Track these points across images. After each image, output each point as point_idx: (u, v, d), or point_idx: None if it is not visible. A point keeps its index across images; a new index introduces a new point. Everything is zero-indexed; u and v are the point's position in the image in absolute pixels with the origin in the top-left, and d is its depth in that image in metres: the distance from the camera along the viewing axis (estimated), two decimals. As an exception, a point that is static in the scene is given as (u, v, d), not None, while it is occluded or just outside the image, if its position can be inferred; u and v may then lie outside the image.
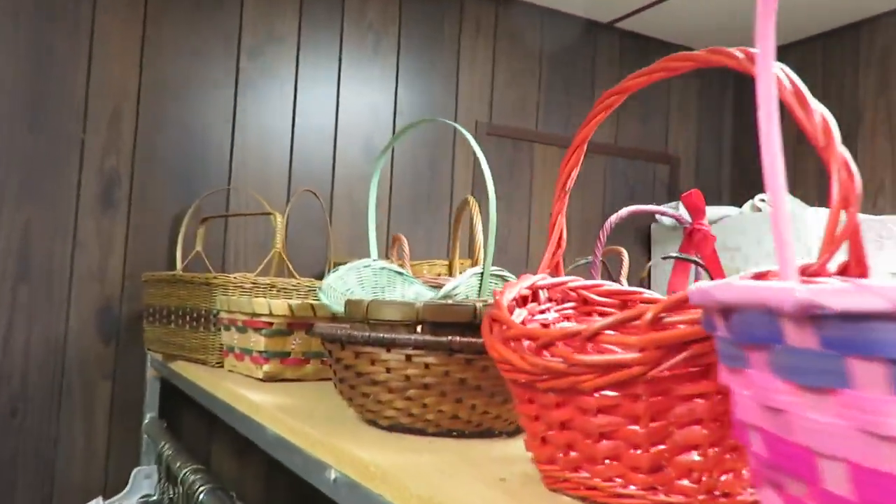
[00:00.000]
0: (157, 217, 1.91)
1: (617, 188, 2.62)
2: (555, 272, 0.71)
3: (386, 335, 0.70)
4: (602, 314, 0.74)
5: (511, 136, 2.43)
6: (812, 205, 2.49)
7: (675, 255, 1.05)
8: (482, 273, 1.08)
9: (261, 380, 1.11)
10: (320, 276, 1.99)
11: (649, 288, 2.60)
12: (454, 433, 0.73)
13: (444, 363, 0.70)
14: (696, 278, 1.24)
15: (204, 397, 1.17)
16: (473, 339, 0.69)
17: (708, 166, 2.84)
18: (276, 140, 2.06)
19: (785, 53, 2.69)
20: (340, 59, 2.17)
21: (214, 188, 1.97)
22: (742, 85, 2.87)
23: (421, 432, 0.73)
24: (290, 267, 1.46)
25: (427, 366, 0.70)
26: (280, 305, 1.07)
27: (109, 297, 1.85)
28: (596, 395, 0.48)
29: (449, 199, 2.31)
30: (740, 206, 2.43)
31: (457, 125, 1.04)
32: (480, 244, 1.50)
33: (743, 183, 2.84)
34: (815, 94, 2.57)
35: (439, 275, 1.85)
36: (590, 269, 1.50)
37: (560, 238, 0.73)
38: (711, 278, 1.07)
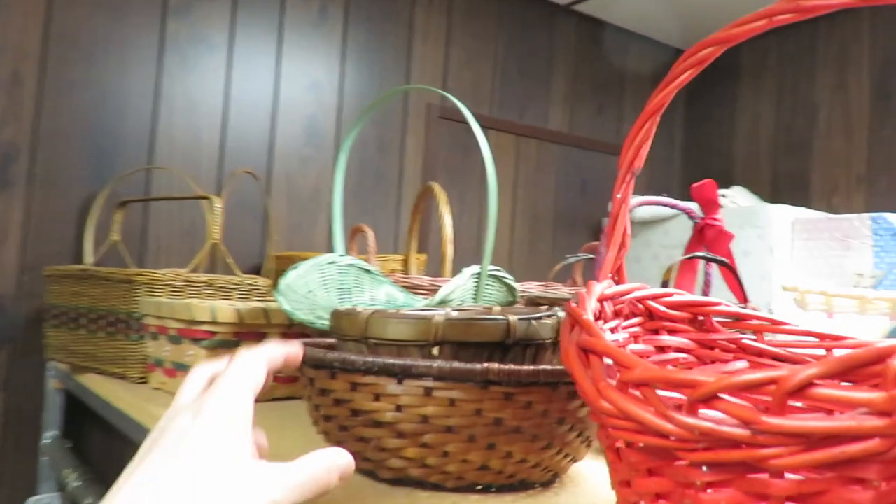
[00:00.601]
0: (63, 200, 1.63)
1: (570, 179, 2.50)
2: (618, 278, 0.55)
3: (398, 361, 0.51)
4: (672, 331, 0.58)
5: (464, 122, 2.26)
6: (767, 200, 2.43)
7: (702, 255, 0.90)
8: (479, 275, 0.91)
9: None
10: (257, 272, 1.76)
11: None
12: (479, 488, 0.55)
13: (477, 399, 0.52)
14: (706, 280, 1.11)
15: (123, 421, 0.94)
16: (516, 367, 0.52)
17: (659, 160, 2.76)
18: (207, 114, 1.82)
19: (739, 52, 2.63)
20: (281, 25, 1.93)
21: (133, 167, 1.71)
22: (694, 81, 2.80)
23: (437, 487, 0.55)
24: (231, 262, 1.24)
25: (453, 402, 0.52)
26: (226, 311, 0.86)
27: (1, 294, 1.57)
28: (787, 475, 0.31)
29: (398, 186, 2.12)
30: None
31: (455, 99, 0.86)
32: (449, 238, 1.33)
33: (694, 177, 2.78)
34: (770, 93, 2.52)
35: (394, 271, 1.66)
36: (574, 268, 1.35)
37: (624, 235, 0.56)
38: (735, 281, 0.94)
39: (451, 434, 0.52)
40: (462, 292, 0.95)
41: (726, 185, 2.48)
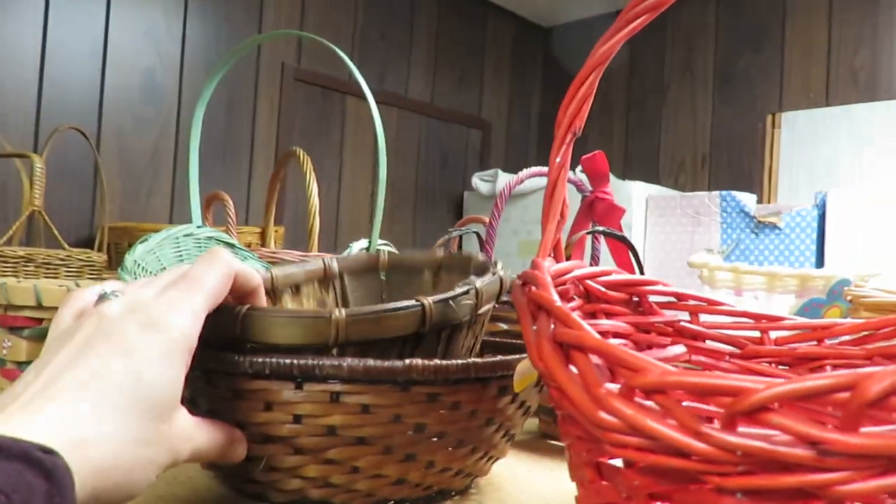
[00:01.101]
0: None
1: (431, 152, 2.43)
2: (556, 255, 0.48)
3: (297, 361, 0.40)
4: (609, 314, 0.52)
5: (321, 85, 2.12)
6: (620, 177, 2.51)
7: (603, 230, 0.86)
8: (367, 250, 0.81)
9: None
10: (88, 245, 1.53)
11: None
12: (393, 503, 0.46)
13: (396, 403, 0.42)
14: (594, 256, 1.07)
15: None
16: (443, 363, 0.42)
17: (517, 134, 2.77)
18: (19, 61, 1.54)
19: (590, 28, 2.68)
20: (112, -36, 1.68)
21: (-78, 119, 1.42)
22: (551, 57, 2.82)
23: None
24: (56, 233, 1.03)
25: (367, 408, 0.42)
26: (54, 293, 0.70)
27: None
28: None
29: (249, 152, 1.94)
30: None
31: (344, 56, 0.75)
32: (316, 209, 1.21)
33: (549, 151, 2.81)
34: (620, 73, 2.59)
35: (249, 245, 1.51)
36: (452, 244, 1.28)
37: (563, 207, 0.49)
38: (633, 257, 0.90)
39: (362, 446, 0.42)
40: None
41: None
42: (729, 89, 2.35)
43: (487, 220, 1.33)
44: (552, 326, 0.33)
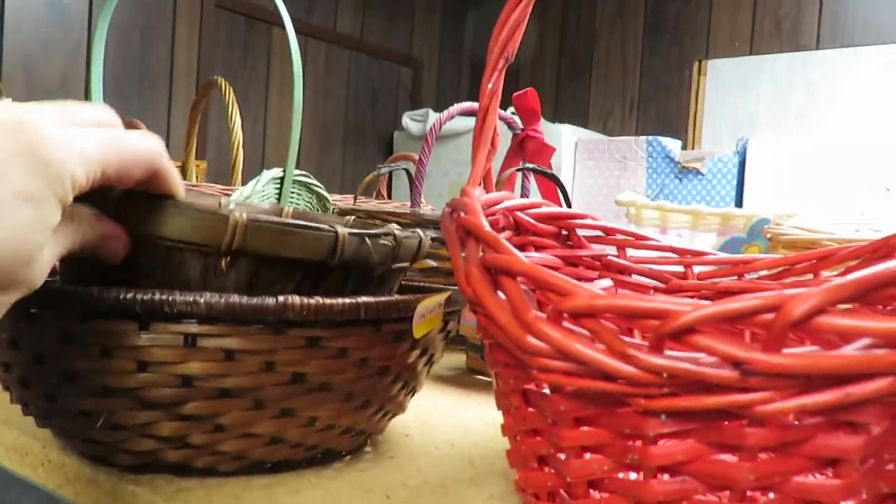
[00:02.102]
0: None
1: (361, 90, 2.37)
2: (486, 185, 0.47)
3: (141, 296, 0.33)
4: (538, 247, 0.51)
5: (245, 14, 2.01)
6: (550, 121, 2.51)
7: (533, 167, 0.85)
8: (282, 178, 0.77)
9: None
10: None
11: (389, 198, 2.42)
12: (269, 466, 0.40)
13: (268, 348, 0.36)
14: (523, 194, 1.07)
15: None
16: (325, 301, 0.35)
17: (449, 73, 2.72)
18: None
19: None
20: None
21: None
22: (483, -7, 2.77)
23: (205, 472, 0.38)
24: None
25: (231, 354, 0.35)
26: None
27: None
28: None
29: (167, 82, 1.84)
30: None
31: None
32: (239, 141, 1.16)
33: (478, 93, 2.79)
34: (554, 21, 2.57)
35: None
36: (382, 180, 1.25)
37: (494, 136, 0.48)
38: (562, 196, 0.90)
39: (227, 399, 0.36)
40: (260, 200, 0.81)
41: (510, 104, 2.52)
42: (658, 37, 2.37)
43: (415, 157, 1.31)
44: (481, 253, 0.32)
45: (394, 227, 0.41)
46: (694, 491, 0.27)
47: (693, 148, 2.27)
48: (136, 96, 1.79)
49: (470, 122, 2.29)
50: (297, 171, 0.79)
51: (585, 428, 0.29)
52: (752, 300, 0.24)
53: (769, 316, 0.24)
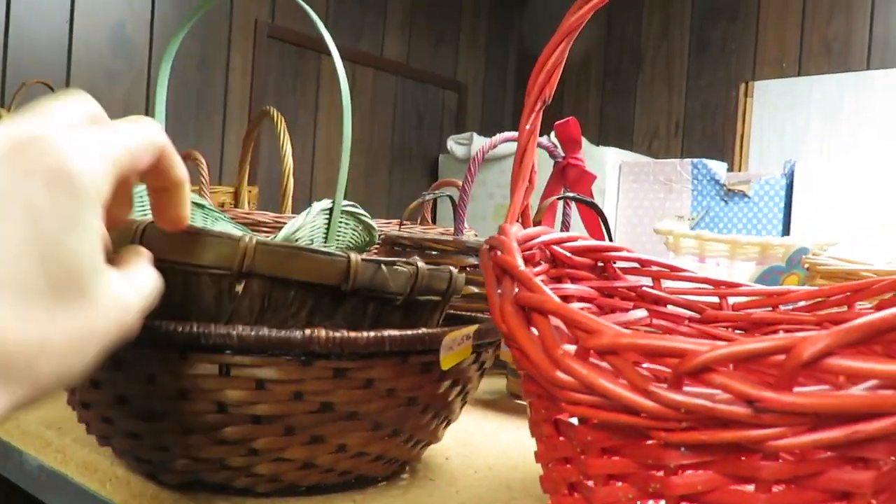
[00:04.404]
0: None
1: (407, 114, 2.42)
2: (524, 220, 0.49)
3: (181, 328, 0.35)
4: (574, 279, 0.53)
5: (295, 43, 2.08)
6: (594, 143, 2.52)
7: (574, 195, 0.87)
8: (331, 210, 0.81)
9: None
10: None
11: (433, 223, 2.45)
12: (303, 490, 0.42)
13: (296, 378, 0.37)
14: (565, 221, 1.09)
15: None
16: (350, 335, 0.37)
17: (493, 97, 2.76)
18: (-17, 11, 1.50)
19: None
20: (79, -88, 1.63)
21: None
22: (528, 20, 2.80)
23: (243, 492, 0.41)
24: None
25: (262, 384, 0.37)
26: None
27: None
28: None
29: (222, 110, 1.92)
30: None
31: (310, 11, 0.74)
32: (290, 169, 1.21)
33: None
34: (599, 38, 2.58)
35: (223, 206, 1.50)
36: (425, 208, 1.29)
37: (532, 172, 0.50)
38: (602, 224, 0.92)
39: (260, 426, 0.38)
40: (311, 230, 0.85)
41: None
42: (704, 58, 2.36)
43: (461, 183, 1.34)
44: (515, 290, 0.35)
45: (416, 259, 0.42)
46: (717, 521, 0.28)
47: (739, 170, 2.25)
48: (193, 122, 1.87)
49: (514, 145, 2.31)
50: (344, 202, 0.82)
51: (611, 458, 0.31)
52: (765, 342, 0.26)
53: (780, 357, 0.26)
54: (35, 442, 0.52)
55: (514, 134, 1.03)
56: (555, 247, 0.51)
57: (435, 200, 1.24)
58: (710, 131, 2.34)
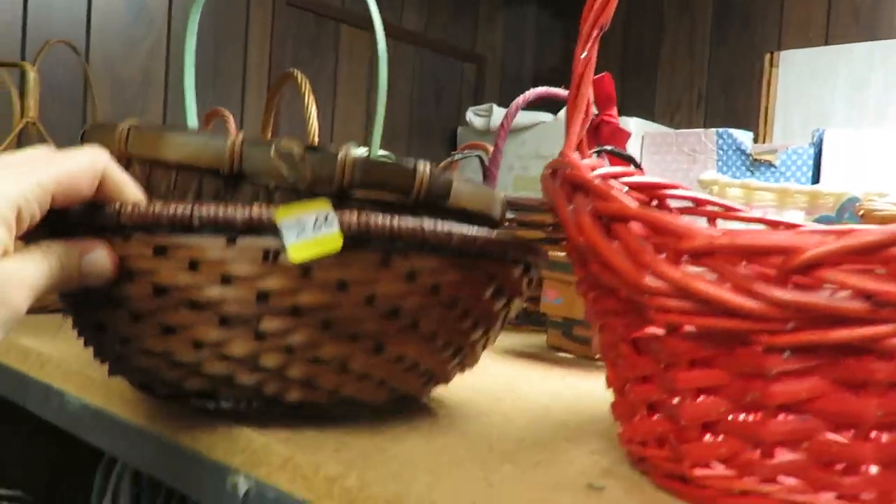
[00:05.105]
0: None
1: (425, 86, 2.39)
2: (581, 153, 0.47)
3: (224, 214, 0.33)
4: (630, 216, 0.51)
5: (314, 11, 2.06)
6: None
7: (611, 149, 0.85)
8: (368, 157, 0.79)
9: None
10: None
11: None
12: (365, 412, 0.41)
13: (372, 269, 0.35)
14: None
15: None
16: (415, 223, 0.35)
17: (512, 69, 2.72)
18: (2, -25, 1.49)
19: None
20: None
21: None
22: (547, -12, 2.76)
23: (272, 402, 0.38)
24: (51, 144, 1.02)
25: (307, 271, 0.34)
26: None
27: None
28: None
29: (241, 78, 1.90)
30: (555, 113, 2.34)
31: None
32: (315, 131, 1.19)
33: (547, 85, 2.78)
34: (619, 12, 2.54)
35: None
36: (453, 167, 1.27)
37: (588, 105, 0.49)
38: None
39: (298, 318, 0.35)
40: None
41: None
42: (727, 28, 2.32)
43: (488, 146, 1.32)
44: (590, 205, 0.33)
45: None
46: (816, 430, 0.27)
47: (764, 142, 2.22)
48: (211, 92, 1.85)
49: (534, 116, 2.28)
50: (381, 151, 0.80)
51: (703, 369, 0.29)
52: (884, 232, 0.24)
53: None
54: (77, 381, 0.51)
55: (549, 89, 1.01)
56: (612, 180, 0.49)
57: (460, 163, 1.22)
58: (733, 103, 2.30)
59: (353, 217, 0.34)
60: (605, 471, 0.35)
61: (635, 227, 0.30)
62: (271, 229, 0.33)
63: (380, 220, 0.34)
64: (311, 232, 0.33)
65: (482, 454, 0.37)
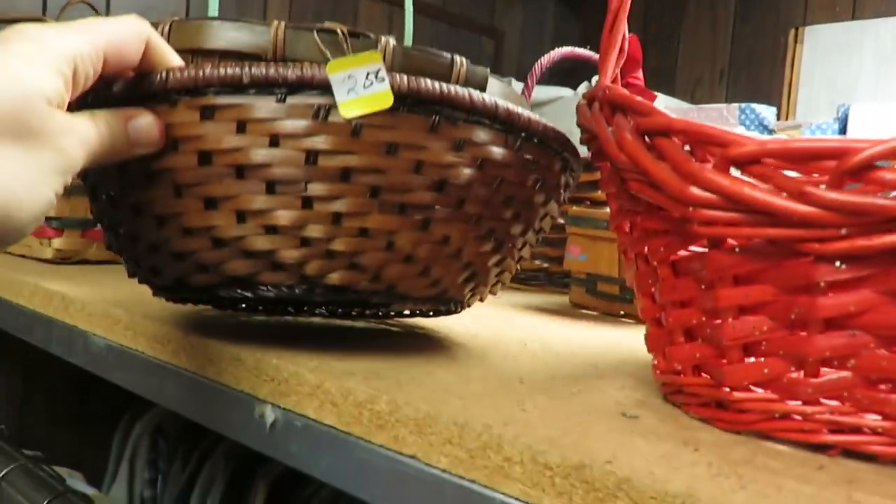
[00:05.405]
0: None
1: (443, 60, 2.37)
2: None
3: (275, 72, 0.32)
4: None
5: (333, -17, 2.04)
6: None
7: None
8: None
9: (50, 261, 0.72)
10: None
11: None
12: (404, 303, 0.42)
13: (421, 134, 0.34)
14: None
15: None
16: (481, 97, 0.36)
17: (531, 44, 2.69)
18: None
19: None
20: None
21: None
22: (567, -37, 2.72)
23: (314, 283, 0.36)
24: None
25: (357, 130, 0.33)
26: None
27: None
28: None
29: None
30: (574, 88, 2.32)
31: None
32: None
33: (564, 65, 2.75)
34: (640, -20, 2.50)
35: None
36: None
37: (623, 41, 0.48)
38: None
39: (348, 185, 0.34)
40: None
41: (594, 74, 2.47)
42: (750, 2, 2.28)
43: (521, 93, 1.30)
44: (631, 122, 0.32)
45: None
46: (863, 346, 0.26)
47: (786, 118, 2.19)
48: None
49: (554, 91, 2.26)
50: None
51: (746, 286, 0.28)
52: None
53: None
54: (103, 322, 0.51)
55: (575, 49, 0.99)
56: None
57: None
58: (756, 79, 2.26)
59: (403, 78, 0.33)
60: (638, 402, 0.35)
61: (678, 141, 0.30)
62: (322, 86, 0.33)
63: (430, 83, 0.34)
64: (361, 89, 0.32)
65: (514, 386, 0.36)
